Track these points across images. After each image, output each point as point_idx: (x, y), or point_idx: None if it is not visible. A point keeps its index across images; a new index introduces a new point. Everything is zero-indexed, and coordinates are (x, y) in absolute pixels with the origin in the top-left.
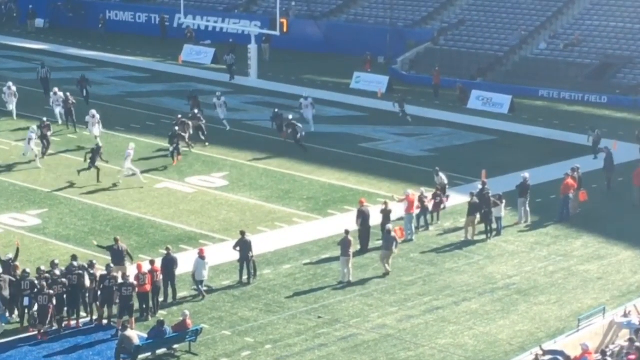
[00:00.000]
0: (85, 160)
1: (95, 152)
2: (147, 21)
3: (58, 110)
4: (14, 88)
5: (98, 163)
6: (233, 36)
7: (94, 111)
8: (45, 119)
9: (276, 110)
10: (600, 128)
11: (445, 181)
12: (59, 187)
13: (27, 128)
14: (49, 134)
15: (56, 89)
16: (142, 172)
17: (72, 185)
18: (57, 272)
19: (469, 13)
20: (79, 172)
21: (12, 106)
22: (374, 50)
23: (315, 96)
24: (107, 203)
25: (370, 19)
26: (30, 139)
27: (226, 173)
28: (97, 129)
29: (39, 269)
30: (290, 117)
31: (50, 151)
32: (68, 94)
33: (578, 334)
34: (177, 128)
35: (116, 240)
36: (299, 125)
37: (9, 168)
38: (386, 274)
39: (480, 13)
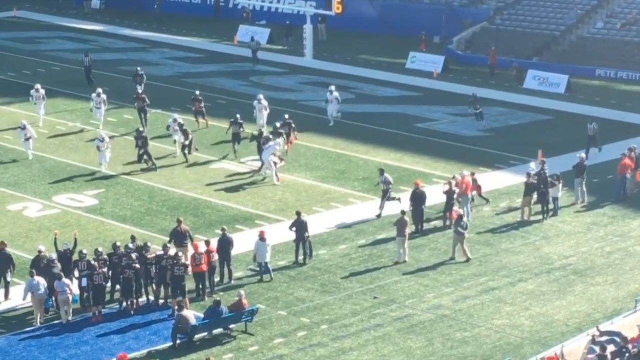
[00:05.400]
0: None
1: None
2: (202, 2)
3: (98, 113)
4: (42, 91)
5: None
6: (289, 17)
7: (176, 115)
8: (141, 128)
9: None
10: None
11: (391, 180)
12: (116, 168)
13: (82, 109)
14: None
15: (100, 90)
16: (198, 151)
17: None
18: (122, 250)
19: None
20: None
21: (41, 110)
22: (429, 30)
23: (371, 76)
24: (164, 184)
25: None
26: (98, 147)
27: (282, 153)
28: (179, 136)
29: (96, 251)
30: (287, 116)
31: (114, 134)
32: (143, 95)
33: (635, 315)
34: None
35: (179, 222)
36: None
37: (66, 149)
38: (468, 260)
39: None
